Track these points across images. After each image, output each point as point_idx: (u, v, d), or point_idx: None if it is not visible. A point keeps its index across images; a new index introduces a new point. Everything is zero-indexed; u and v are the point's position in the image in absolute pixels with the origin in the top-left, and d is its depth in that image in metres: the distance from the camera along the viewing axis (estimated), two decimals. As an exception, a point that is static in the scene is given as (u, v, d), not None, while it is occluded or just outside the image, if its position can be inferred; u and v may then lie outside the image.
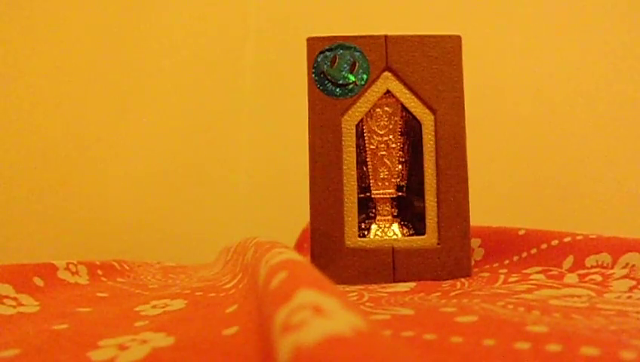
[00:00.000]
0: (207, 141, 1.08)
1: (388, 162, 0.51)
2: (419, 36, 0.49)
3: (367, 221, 0.52)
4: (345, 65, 0.49)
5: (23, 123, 0.71)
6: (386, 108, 0.51)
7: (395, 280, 0.47)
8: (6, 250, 0.67)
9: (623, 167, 0.81)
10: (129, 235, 0.87)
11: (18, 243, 0.69)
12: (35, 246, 0.71)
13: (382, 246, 0.48)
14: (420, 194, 0.49)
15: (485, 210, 0.58)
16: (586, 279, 0.40)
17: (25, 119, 0.71)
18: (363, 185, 0.52)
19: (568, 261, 0.44)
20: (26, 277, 0.42)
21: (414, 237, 0.49)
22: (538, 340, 0.21)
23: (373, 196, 0.51)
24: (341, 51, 0.49)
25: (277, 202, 1.10)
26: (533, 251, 0.48)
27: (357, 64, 0.49)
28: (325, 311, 0.15)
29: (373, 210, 0.52)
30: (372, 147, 0.51)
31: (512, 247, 0.51)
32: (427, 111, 0.49)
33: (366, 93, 0.49)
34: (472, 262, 0.52)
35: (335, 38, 0.50)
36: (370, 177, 0.51)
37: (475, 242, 0.55)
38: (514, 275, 0.44)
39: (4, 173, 0.68)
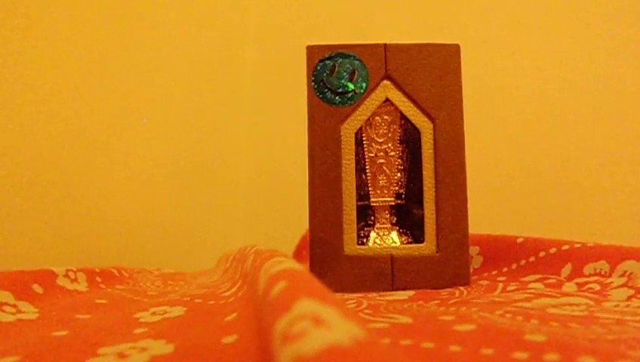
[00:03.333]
0: (206, 148, 1.08)
1: (387, 170, 0.51)
2: (418, 45, 0.50)
3: (365, 229, 0.52)
4: (344, 74, 0.49)
5: (23, 124, 0.71)
6: (385, 117, 0.51)
7: (394, 288, 0.47)
8: (5, 253, 0.67)
9: (624, 175, 0.81)
10: (128, 242, 0.87)
11: (17, 248, 0.69)
12: (34, 251, 0.71)
13: (380, 254, 0.48)
14: (419, 202, 0.50)
15: (484, 217, 0.58)
16: (585, 288, 0.40)
17: (25, 120, 0.71)
18: (362, 192, 0.52)
19: (567, 269, 0.44)
20: (26, 284, 0.42)
21: (413, 245, 0.49)
22: (536, 349, 0.21)
23: (372, 204, 0.52)
24: (340, 60, 0.49)
25: (276, 209, 1.10)
26: (532, 259, 0.48)
27: (356, 72, 0.49)
28: (325, 322, 0.15)
29: (372, 218, 0.52)
30: (371, 155, 0.51)
31: (510, 255, 0.51)
32: (426, 119, 0.49)
33: (365, 102, 0.50)
34: (471, 270, 0.52)
35: (335, 46, 0.50)
36: (369, 185, 0.51)
37: (473, 250, 0.55)
38: (512, 283, 0.44)
39: (4, 174, 0.68)
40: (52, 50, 0.75)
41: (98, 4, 0.83)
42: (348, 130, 0.49)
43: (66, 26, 0.78)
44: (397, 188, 0.52)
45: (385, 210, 0.52)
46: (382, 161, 0.51)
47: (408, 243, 0.50)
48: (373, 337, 0.15)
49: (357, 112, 0.50)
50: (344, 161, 0.49)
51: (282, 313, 0.17)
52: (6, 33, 0.69)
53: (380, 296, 0.43)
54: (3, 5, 0.69)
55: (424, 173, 0.49)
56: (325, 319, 0.15)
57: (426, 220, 0.49)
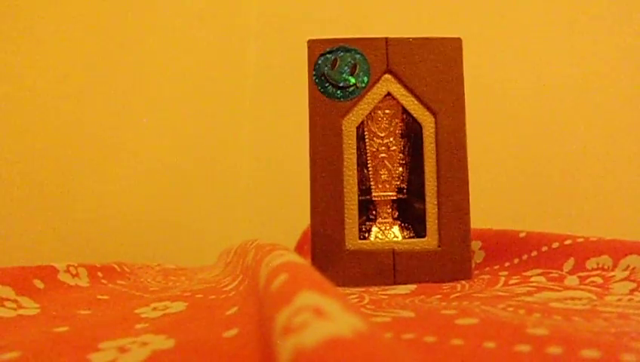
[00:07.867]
0: (208, 143, 1.08)
1: (388, 164, 0.51)
2: (420, 39, 0.49)
3: (367, 223, 0.52)
4: (346, 68, 0.49)
5: (23, 123, 0.71)
6: (387, 111, 0.51)
7: (396, 283, 0.47)
8: (5, 249, 0.67)
9: (625, 170, 0.81)
10: (129, 237, 0.87)
11: (18, 244, 0.69)
12: (35, 247, 0.71)
13: (382, 249, 0.48)
14: (421, 196, 0.49)
15: (486, 212, 0.58)
16: (587, 281, 0.40)
17: (25, 119, 0.71)
18: (363, 187, 0.52)
19: (569, 263, 0.44)
20: (27, 279, 0.42)
21: (415, 240, 0.49)
22: (538, 342, 0.21)
23: (373, 198, 0.51)
24: (342, 54, 0.49)
25: (278, 204, 1.10)
26: (534, 254, 0.48)
27: (358, 66, 0.49)
28: (326, 313, 0.15)
29: (374, 213, 0.52)
30: (373, 149, 0.51)
31: (512, 250, 0.51)
32: (428, 113, 0.49)
33: (367, 96, 0.49)
34: (473, 265, 0.52)
35: (336, 40, 0.50)
36: (371, 179, 0.51)
37: (475, 244, 0.54)
38: (514, 278, 0.44)
39: (4, 173, 0.68)
40: (52, 50, 0.75)
41: (99, 5, 0.83)
42: (349, 125, 0.49)
43: (66, 25, 0.77)
44: (399, 182, 0.52)
45: (387, 205, 0.52)
46: (383, 155, 0.51)
47: (410, 237, 0.50)
48: (375, 330, 0.14)
49: (358, 106, 0.49)
50: (345, 156, 0.49)
51: (283, 305, 0.17)
52: (6, 33, 0.69)
53: (381, 290, 0.43)
54: (3, 5, 0.68)
55: (426, 167, 0.49)
56: (327, 311, 0.15)
57: (428, 214, 0.49)
